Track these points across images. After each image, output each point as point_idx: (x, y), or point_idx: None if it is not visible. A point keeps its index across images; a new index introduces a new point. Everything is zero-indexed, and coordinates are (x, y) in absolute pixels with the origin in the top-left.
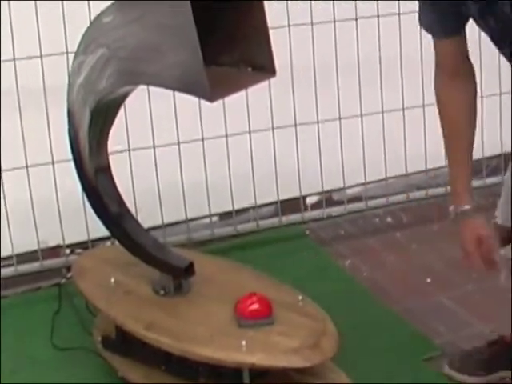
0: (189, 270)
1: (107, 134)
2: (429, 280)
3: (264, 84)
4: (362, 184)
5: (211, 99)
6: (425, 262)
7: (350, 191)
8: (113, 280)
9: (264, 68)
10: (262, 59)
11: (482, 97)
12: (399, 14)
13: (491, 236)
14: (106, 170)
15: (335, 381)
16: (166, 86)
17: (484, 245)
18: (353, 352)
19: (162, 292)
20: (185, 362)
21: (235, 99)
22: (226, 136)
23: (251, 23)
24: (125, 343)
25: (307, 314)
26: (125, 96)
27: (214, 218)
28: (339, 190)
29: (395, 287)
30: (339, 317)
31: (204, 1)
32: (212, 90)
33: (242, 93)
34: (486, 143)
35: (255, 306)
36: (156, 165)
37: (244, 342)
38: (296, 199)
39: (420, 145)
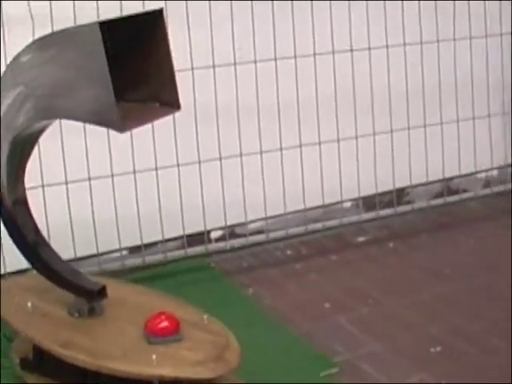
0: (101, 292)
1: (24, 167)
2: (327, 305)
3: (169, 123)
4: (263, 219)
5: (121, 130)
6: (324, 290)
7: (252, 225)
8: (30, 304)
9: (170, 103)
10: (167, 95)
11: (374, 135)
12: (295, 56)
13: None
14: (23, 201)
15: None
16: (81, 120)
17: None
18: (255, 370)
19: (76, 314)
20: (99, 379)
21: (143, 137)
22: (134, 172)
23: (157, 64)
24: (42, 363)
25: (212, 331)
26: (41, 131)
27: (124, 252)
28: (242, 224)
29: (295, 313)
30: (243, 340)
31: (113, 45)
32: (122, 122)
33: (150, 132)
34: (379, 180)
35: (164, 324)
36: (68, 200)
37: (154, 357)
38: (201, 233)
39: (317, 181)
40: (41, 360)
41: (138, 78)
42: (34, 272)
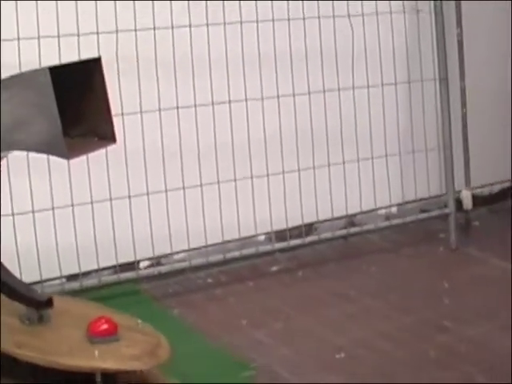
0: (48, 303)
1: None
2: (244, 322)
3: (103, 161)
4: (187, 250)
5: (68, 158)
6: (241, 310)
7: (176, 256)
8: None
9: (107, 137)
10: (105, 131)
11: (283, 173)
12: (213, 103)
13: None
14: None
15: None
16: (33, 150)
17: None
18: (183, 373)
19: (27, 322)
20: (47, 376)
21: (80, 175)
22: (72, 206)
23: (96, 103)
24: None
25: (145, 333)
26: None
27: (64, 279)
28: (167, 255)
29: (216, 329)
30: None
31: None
32: (68, 152)
33: (86, 169)
34: (289, 215)
35: (104, 326)
36: (15, 231)
37: (97, 353)
38: (131, 263)
39: (234, 216)
40: None
41: (79, 116)
42: None
